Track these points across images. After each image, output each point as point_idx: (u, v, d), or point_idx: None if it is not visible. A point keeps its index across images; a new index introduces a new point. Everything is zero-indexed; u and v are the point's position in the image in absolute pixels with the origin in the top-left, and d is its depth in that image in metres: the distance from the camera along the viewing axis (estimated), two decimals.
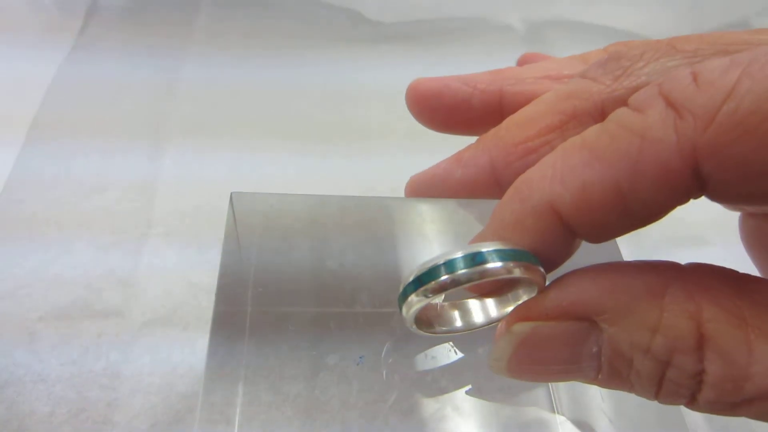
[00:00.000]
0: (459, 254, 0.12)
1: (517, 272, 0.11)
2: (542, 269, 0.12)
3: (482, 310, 0.15)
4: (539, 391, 0.19)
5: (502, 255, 0.11)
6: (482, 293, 0.15)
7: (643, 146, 0.10)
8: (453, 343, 0.20)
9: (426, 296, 0.12)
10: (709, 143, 0.10)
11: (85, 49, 0.39)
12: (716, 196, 0.11)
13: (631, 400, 0.20)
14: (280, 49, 0.42)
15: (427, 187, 0.18)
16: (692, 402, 0.11)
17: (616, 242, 0.18)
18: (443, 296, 0.15)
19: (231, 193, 0.17)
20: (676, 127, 0.10)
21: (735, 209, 0.18)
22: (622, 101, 0.13)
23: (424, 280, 0.12)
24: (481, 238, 0.13)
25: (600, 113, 0.15)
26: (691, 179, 0.10)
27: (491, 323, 0.14)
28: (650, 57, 0.14)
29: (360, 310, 0.20)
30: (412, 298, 0.12)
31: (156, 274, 0.27)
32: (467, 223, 0.17)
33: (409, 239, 0.19)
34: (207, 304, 0.27)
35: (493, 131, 0.17)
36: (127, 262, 0.27)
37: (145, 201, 0.30)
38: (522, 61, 0.21)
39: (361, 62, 0.42)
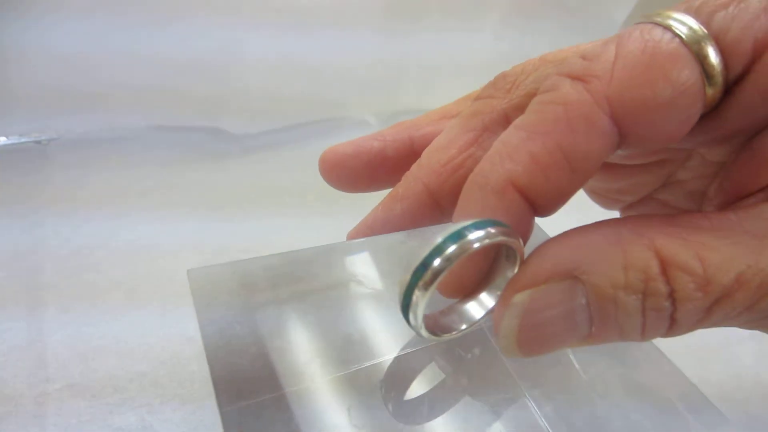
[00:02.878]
0: (440, 238, 0.12)
1: (499, 236, 0.12)
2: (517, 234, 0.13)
3: (478, 305, 0.15)
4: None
5: (479, 225, 0.12)
6: (466, 289, 0.15)
7: (568, 109, 0.13)
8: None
9: (426, 289, 0.12)
10: (615, 91, 0.13)
11: None
12: (634, 141, 0.13)
13: None
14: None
15: (371, 232, 0.18)
16: (673, 324, 0.13)
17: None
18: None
19: (187, 271, 0.16)
20: (587, 89, 0.13)
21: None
22: (521, 107, 0.16)
23: (419, 273, 0.12)
24: None
25: (506, 120, 0.17)
26: (611, 125, 0.13)
27: (488, 314, 0.15)
28: (530, 70, 0.17)
29: (310, 384, 0.19)
30: (416, 295, 0.12)
31: None
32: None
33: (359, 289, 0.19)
34: None
35: (415, 164, 0.18)
36: None
37: None
38: None
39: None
